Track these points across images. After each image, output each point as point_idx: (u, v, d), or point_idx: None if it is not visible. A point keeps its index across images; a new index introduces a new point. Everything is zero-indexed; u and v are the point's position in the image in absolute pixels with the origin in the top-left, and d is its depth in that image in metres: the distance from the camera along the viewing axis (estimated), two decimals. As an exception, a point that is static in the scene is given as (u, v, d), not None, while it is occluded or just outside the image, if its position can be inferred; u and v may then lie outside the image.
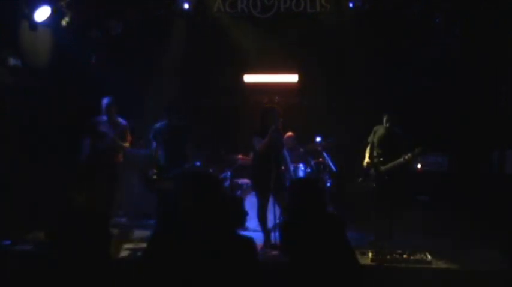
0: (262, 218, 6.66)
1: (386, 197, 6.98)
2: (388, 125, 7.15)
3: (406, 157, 6.88)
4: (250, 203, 7.06)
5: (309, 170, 8.03)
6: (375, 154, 7.21)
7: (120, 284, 2.80)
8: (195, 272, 2.80)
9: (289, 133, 8.08)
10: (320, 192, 3.63)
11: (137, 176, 8.46)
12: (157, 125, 7.17)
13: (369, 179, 7.17)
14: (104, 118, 7.22)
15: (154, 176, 6.95)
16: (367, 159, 7.27)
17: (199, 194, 3.05)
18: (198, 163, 7.78)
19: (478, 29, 7.62)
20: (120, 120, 7.35)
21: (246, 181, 7.99)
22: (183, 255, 2.79)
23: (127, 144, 7.36)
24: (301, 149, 8.27)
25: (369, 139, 7.35)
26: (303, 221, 3.31)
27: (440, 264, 5.82)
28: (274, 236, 6.53)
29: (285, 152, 7.01)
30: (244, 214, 3.81)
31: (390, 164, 6.98)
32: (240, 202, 4.04)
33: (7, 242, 6.21)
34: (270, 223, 6.70)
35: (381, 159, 7.09)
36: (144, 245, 6.24)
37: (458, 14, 7.73)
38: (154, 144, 7.16)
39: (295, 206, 3.58)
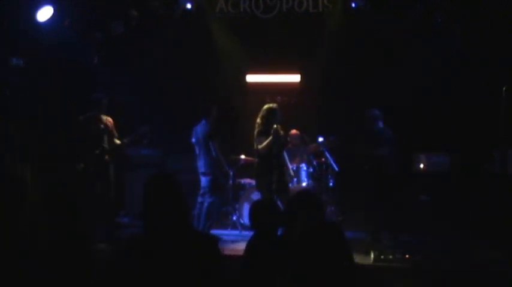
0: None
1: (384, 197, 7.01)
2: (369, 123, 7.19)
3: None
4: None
5: (311, 170, 8.03)
6: None
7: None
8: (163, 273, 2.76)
9: (294, 131, 8.09)
10: (318, 206, 3.53)
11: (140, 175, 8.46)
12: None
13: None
14: (96, 115, 7.10)
15: None
16: None
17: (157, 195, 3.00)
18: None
19: (479, 28, 7.62)
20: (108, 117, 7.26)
21: (248, 180, 8.00)
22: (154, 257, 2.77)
23: (118, 141, 7.21)
24: (303, 148, 8.28)
25: None
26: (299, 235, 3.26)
27: (442, 264, 5.83)
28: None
29: (284, 153, 7.01)
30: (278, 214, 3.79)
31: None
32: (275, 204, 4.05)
33: None
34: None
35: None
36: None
37: (459, 13, 7.73)
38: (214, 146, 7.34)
39: (291, 222, 3.49)
